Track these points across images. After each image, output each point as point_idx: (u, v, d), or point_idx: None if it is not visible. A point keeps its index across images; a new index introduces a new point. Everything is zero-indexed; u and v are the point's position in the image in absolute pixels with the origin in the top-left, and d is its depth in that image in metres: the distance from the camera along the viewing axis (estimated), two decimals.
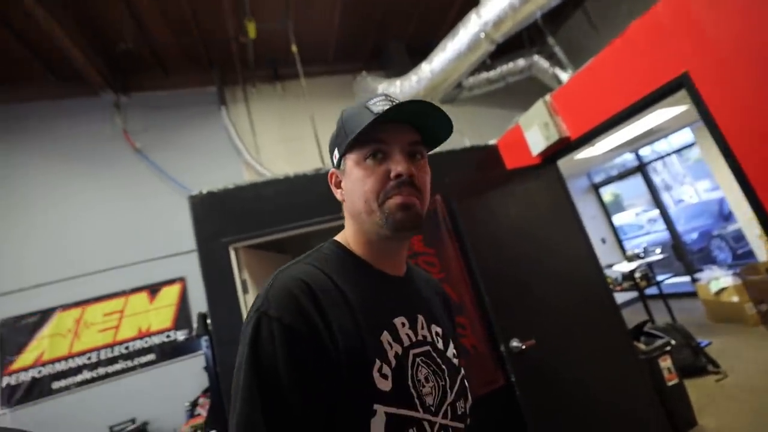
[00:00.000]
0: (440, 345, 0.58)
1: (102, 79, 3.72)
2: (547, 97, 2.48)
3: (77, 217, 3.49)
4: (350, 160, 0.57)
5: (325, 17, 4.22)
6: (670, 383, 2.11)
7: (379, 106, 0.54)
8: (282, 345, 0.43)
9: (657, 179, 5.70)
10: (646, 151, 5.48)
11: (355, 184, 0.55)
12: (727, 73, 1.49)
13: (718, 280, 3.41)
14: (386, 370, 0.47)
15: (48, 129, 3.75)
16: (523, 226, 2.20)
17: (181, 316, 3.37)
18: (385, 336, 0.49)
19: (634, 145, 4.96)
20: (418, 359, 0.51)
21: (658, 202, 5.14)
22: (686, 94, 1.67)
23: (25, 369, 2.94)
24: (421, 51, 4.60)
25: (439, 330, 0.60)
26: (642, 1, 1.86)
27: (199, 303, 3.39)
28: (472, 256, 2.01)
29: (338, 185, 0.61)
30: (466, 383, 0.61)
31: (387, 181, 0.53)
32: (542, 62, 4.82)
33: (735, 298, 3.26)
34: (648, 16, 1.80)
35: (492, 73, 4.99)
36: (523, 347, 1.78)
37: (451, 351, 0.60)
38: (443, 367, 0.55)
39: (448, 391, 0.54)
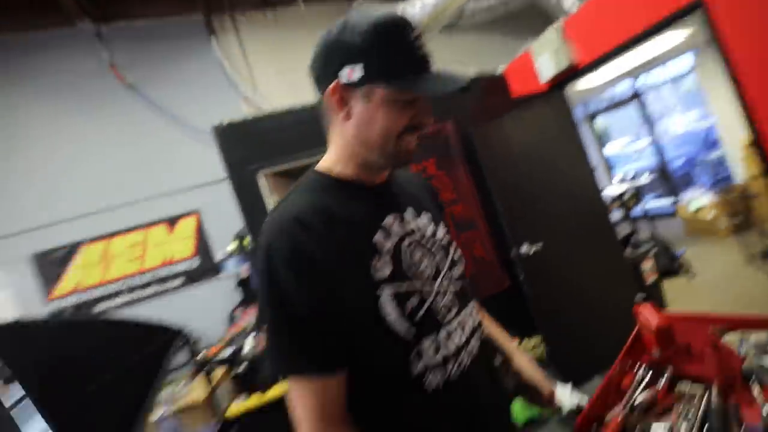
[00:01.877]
0: (429, 230, 0.67)
1: (77, 6, 3.43)
2: (560, 23, 2.49)
3: (80, 155, 3.48)
4: (380, 94, 0.54)
5: None
6: (650, 280, 2.48)
7: (420, 52, 0.54)
8: (289, 271, 0.50)
9: (649, 109, 5.80)
10: (640, 82, 5.52)
11: (380, 121, 0.55)
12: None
13: (697, 199, 3.74)
14: (384, 260, 0.56)
15: (31, 63, 3.56)
16: (533, 148, 2.36)
17: (201, 246, 3.57)
18: (378, 236, 0.58)
19: (632, 73, 4.98)
20: (410, 246, 0.61)
21: (650, 131, 5.32)
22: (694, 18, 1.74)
23: (66, 295, 3.17)
24: None
25: (427, 217, 0.68)
26: None
27: (216, 233, 3.58)
28: (487, 173, 2.20)
29: (344, 102, 0.57)
30: (459, 251, 0.72)
31: (407, 123, 0.57)
32: None
33: (710, 215, 3.62)
34: None
35: (489, 2, 4.74)
36: (533, 251, 2.06)
37: (441, 232, 0.69)
38: (434, 247, 0.65)
39: (441, 263, 0.65)
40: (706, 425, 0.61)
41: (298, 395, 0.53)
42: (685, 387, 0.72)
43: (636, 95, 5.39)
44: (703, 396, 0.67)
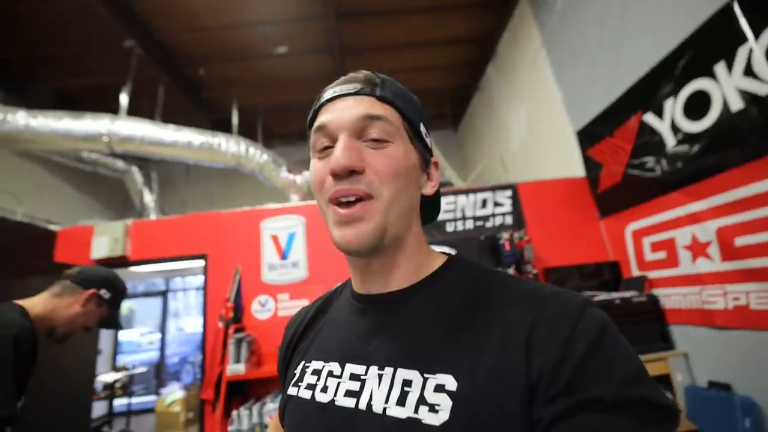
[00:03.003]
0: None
1: None
2: (129, 222, 3.13)
3: None
4: None
5: None
6: None
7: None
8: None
9: (173, 305, 6.93)
10: (174, 283, 6.78)
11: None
12: (219, 259, 2.91)
13: (173, 394, 4.57)
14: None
15: None
16: None
17: None
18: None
19: (166, 275, 6.13)
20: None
21: (162, 328, 6.22)
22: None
23: None
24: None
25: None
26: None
27: None
28: None
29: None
30: None
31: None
32: (138, 177, 5.43)
33: (177, 408, 4.46)
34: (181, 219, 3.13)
35: (86, 154, 4.92)
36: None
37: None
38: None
39: None
40: None
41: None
42: None
43: (165, 292, 6.43)
44: None
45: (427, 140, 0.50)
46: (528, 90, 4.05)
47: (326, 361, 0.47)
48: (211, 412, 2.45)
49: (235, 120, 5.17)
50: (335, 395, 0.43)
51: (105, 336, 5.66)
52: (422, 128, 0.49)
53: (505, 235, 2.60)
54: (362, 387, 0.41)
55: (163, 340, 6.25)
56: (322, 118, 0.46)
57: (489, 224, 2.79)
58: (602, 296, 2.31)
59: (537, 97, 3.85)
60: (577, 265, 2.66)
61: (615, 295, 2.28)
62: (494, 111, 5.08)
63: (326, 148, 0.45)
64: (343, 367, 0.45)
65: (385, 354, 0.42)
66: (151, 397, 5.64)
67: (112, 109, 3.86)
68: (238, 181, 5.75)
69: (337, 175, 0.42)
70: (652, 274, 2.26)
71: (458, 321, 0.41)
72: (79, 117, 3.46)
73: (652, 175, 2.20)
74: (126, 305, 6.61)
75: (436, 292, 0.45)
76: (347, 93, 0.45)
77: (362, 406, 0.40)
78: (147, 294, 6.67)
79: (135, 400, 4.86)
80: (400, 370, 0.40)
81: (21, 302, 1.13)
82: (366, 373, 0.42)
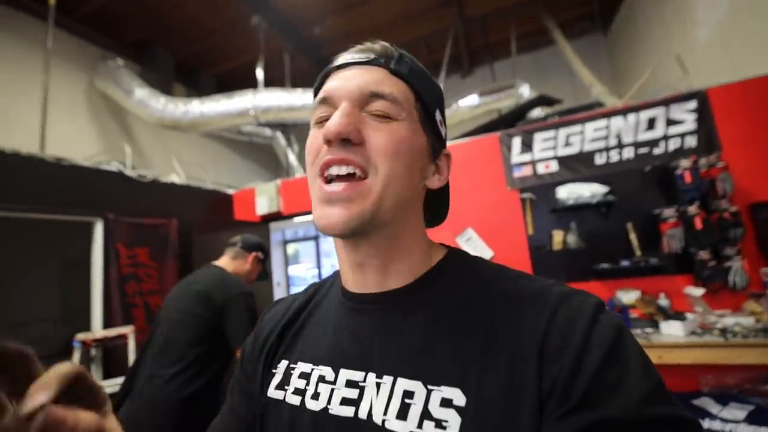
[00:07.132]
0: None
1: None
2: (278, 182, 3.65)
3: None
4: None
5: None
6: None
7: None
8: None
9: (325, 247, 8.15)
10: None
11: None
12: None
13: None
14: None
15: None
16: None
17: None
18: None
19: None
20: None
21: (318, 265, 7.44)
22: None
23: None
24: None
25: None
26: None
27: None
28: None
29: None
30: None
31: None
32: (282, 140, 6.25)
33: None
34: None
35: (244, 127, 5.88)
36: None
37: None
38: None
39: None
40: None
41: None
42: None
43: (317, 237, 7.56)
44: None
45: (442, 130, 0.44)
46: None
47: (315, 364, 0.43)
48: None
49: None
50: (329, 403, 0.39)
51: (280, 272, 7.16)
52: (437, 115, 0.43)
53: (685, 163, 1.97)
54: (361, 395, 0.38)
55: (319, 275, 7.49)
56: (326, 87, 0.41)
57: (658, 150, 2.15)
58: None
59: None
60: None
61: None
62: None
63: (326, 119, 0.40)
64: (336, 373, 0.41)
65: (384, 361, 0.38)
66: None
67: (253, 85, 4.40)
68: None
69: (331, 142, 0.37)
70: None
71: (462, 324, 0.37)
72: (231, 97, 4.07)
73: None
74: (293, 247, 8.12)
75: (437, 292, 0.41)
76: (357, 62, 0.41)
77: (362, 415, 0.36)
78: (305, 238, 7.99)
79: None
80: (400, 380, 0.36)
81: (217, 264, 1.44)
82: (364, 380, 0.38)
